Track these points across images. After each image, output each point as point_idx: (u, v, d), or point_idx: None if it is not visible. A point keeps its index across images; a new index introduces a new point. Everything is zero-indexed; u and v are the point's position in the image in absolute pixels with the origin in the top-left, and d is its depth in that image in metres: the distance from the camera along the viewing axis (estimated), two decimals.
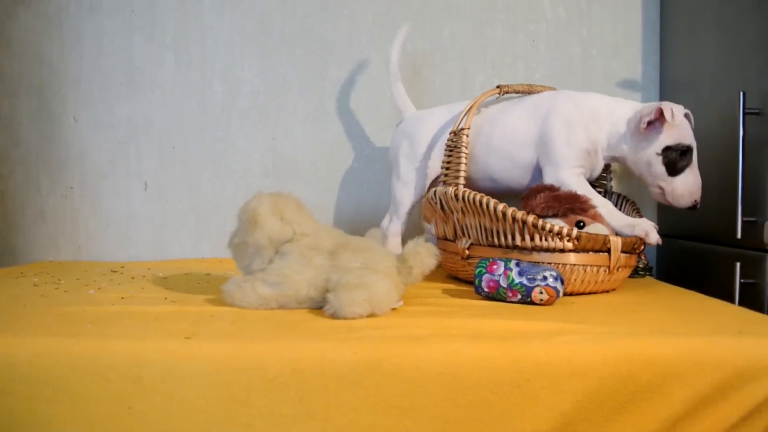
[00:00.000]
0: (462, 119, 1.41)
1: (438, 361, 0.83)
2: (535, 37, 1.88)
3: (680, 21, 1.76)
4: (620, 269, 1.30)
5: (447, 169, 1.42)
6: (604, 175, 1.59)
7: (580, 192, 1.33)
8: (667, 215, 1.83)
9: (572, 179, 1.38)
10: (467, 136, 1.38)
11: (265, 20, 1.90)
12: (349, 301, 1.00)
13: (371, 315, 1.02)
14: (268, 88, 1.91)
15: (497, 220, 1.27)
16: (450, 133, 1.43)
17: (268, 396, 0.84)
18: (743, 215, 1.37)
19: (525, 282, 1.14)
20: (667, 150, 1.36)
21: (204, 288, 1.35)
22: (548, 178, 1.41)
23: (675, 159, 1.36)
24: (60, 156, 1.92)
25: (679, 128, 1.36)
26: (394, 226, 1.63)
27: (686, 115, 1.40)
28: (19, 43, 1.91)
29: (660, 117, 1.35)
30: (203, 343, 0.87)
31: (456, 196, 1.33)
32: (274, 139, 1.91)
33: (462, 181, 1.36)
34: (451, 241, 1.42)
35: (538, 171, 1.46)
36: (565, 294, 1.25)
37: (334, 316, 1.02)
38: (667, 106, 1.32)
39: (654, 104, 1.36)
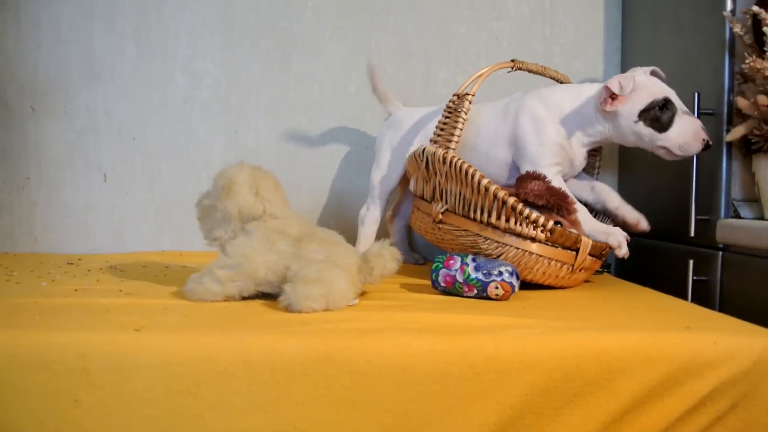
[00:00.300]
0: (469, 84, 1.36)
1: (388, 355, 0.84)
2: (498, 35, 1.90)
3: (641, 22, 1.78)
4: (582, 270, 1.31)
5: (441, 130, 1.37)
6: (593, 162, 1.60)
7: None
8: None
9: (550, 178, 1.39)
10: (470, 102, 1.34)
11: (228, 12, 1.88)
12: (305, 295, 1.00)
13: (326, 311, 1.02)
14: (231, 81, 1.89)
15: (478, 193, 1.25)
16: (453, 95, 1.38)
17: (218, 388, 0.83)
18: (696, 214, 1.40)
19: (481, 277, 1.15)
20: (643, 113, 1.34)
21: (161, 280, 1.33)
22: None
23: (657, 116, 1.33)
24: (16, 146, 1.87)
25: (645, 87, 1.34)
26: (371, 212, 1.63)
27: (653, 72, 1.39)
28: None
29: (613, 93, 1.34)
30: (153, 335, 0.87)
31: (444, 159, 1.30)
32: (237, 131, 1.89)
33: (454, 145, 1.33)
34: (427, 201, 1.39)
35: (514, 168, 1.47)
36: (524, 281, 1.26)
37: (288, 308, 1.01)
38: (613, 81, 1.31)
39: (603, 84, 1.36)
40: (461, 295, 1.18)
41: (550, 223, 1.23)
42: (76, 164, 1.88)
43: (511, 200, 1.22)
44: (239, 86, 1.89)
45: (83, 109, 1.88)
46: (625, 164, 1.88)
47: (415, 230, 1.48)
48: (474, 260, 1.17)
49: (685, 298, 1.38)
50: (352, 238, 1.62)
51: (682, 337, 0.90)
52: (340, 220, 1.89)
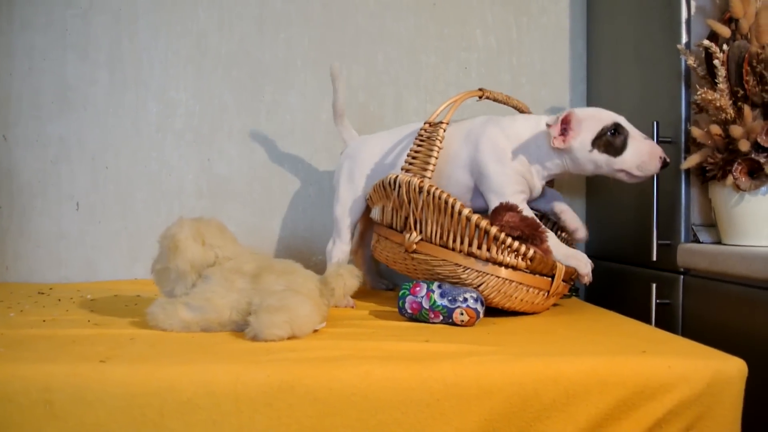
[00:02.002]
0: (442, 112, 1.36)
1: (349, 383, 0.85)
2: (467, 65, 1.94)
3: (604, 53, 1.84)
4: (554, 295, 1.34)
5: (414, 158, 1.36)
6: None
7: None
8: (593, 236, 1.89)
9: (521, 207, 1.40)
10: (444, 130, 1.34)
11: (201, 42, 1.91)
12: (269, 323, 1.02)
13: (292, 337, 1.04)
14: (204, 109, 1.91)
15: (458, 223, 1.25)
16: (425, 123, 1.38)
17: (182, 419, 0.84)
18: (658, 238, 1.44)
19: (446, 304, 1.18)
20: (596, 141, 1.36)
21: (131, 310, 1.33)
22: (493, 206, 1.42)
23: (610, 141, 1.36)
24: None
25: (592, 117, 1.37)
26: (338, 247, 1.61)
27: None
28: None
29: (564, 125, 1.37)
30: (117, 366, 0.87)
31: (420, 188, 1.28)
32: (210, 160, 1.91)
33: (429, 174, 1.32)
34: (396, 230, 1.38)
35: (476, 192, 1.49)
36: (502, 309, 1.28)
37: (254, 338, 1.02)
38: (554, 125, 1.35)
39: (551, 119, 1.38)
40: (427, 322, 1.20)
41: (531, 251, 1.24)
42: (49, 192, 1.89)
43: (494, 230, 1.22)
44: (212, 115, 1.91)
45: (56, 137, 1.89)
46: (591, 190, 1.92)
47: (381, 260, 1.46)
48: (440, 287, 1.20)
49: (649, 321, 1.41)
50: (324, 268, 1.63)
51: (638, 361, 0.93)
52: (313, 248, 1.90)
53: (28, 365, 0.87)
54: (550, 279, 1.30)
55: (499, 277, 1.25)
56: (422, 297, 1.19)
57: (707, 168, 1.30)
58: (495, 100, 1.48)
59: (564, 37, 1.97)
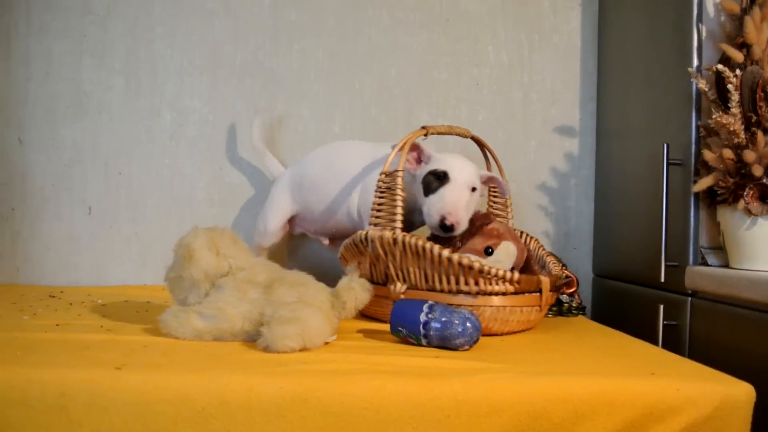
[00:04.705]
0: (393, 161, 1.40)
1: (361, 397, 0.86)
2: (478, 81, 1.96)
3: (615, 72, 1.85)
4: (545, 307, 1.36)
5: (379, 211, 1.38)
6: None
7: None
8: (602, 255, 1.91)
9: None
10: (402, 177, 1.36)
11: (216, 51, 1.93)
12: (281, 335, 1.03)
13: (303, 349, 1.05)
14: (217, 118, 1.93)
15: (440, 264, 1.25)
16: (381, 174, 1.40)
17: (195, 428, 0.85)
18: (667, 260, 1.45)
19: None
20: (426, 176, 1.42)
21: (142, 317, 1.35)
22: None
23: (430, 181, 1.42)
24: (2, 176, 1.89)
25: (435, 161, 1.43)
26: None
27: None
28: None
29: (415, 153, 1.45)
30: (131, 373, 0.88)
31: (395, 240, 1.28)
32: (221, 168, 1.92)
33: (398, 224, 1.33)
34: (379, 284, 1.36)
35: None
36: (501, 333, 1.29)
37: (267, 349, 1.03)
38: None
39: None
40: (420, 344, 1.14)
41: (516, 275, 1.26)
42: (61, 196, 1.90)
43: (477, 265, 1.23)
44: (225, 124, 1.93)
45: (70, 142, 1.91)
46: (599, 210, 1.93)
47: (370, 315, 1.42)
48: (431, 309, 1.13)
49: (656, 342, 1.42)
50: (329, 276, 1.64)
51: (647, 383, 0.94)
52: (323, 255, 1.91)
53: (45, 370, 0.88)
54: (538, 294, 1.31)
55: (492, 306, 1.26)
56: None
57: (718, 191, 1.31)
58: (439, 133, 1.49)
59: (575, 55, 1.99)
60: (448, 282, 1.26)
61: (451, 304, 1.22)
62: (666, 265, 1.44)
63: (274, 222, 1.72)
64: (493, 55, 1.97)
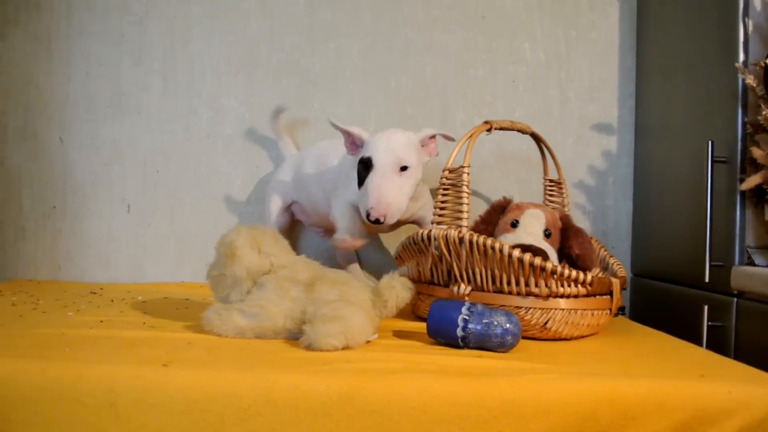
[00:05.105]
0: (457, 156, 1.34)
1: (408, 396, 0.86)
2: (515, 78, 1.94)
3: (655, 69, 1.82)
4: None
5: (443, 209, 1.33)
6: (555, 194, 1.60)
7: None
8: (641, 254, 1.88)
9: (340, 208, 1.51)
10: (468, 173, 1.30)
11: (252, 50, 1.94)
12: (324, 333, 1.03)
13: (346, 347, 1.04)
14: (253, 117, 1.94)
15: (510, 265, 1.19)
16: (444, 170, 1.35)
17: (241, 425, 0.85)
18: (711, 260, 1.41)
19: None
20: (359, 163, 1.40)
21: (182, 314, 1.36)
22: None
23: (360, 169, 1.39)
24: (44, 175, 1.93)
25: (365, 146, 1.41)
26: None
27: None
28: (7, 62, 1.93)
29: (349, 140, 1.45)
30: (179, 370, 0.89)
31: (460, 239, 1.22)
32: (258, 167, 1.93)
33: (465, 222, 1.27)
34: (441, 285, 1.32)
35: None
36: (571, 338, 1.24)
37: (309, 347, 1.03)
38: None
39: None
40: (458, 346, 1.12)
41: (589, 276, 1.20)
42: (100, 195, 1.93)
43: (549, 266, 1.18)
44: (261, 123, 1.93)
45: (109, 141, 1.93)
46: (638, 208, 1.90)
47: (421, 315, 1.36)
48: (469, 310, 1.11)
49: (699, 343, 1.39)
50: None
51: (697, 385, 0.92)
52: (360, 256, 1.91)
53: (93, 366, 0.90)
54: (609, 296, 1.28)
55: (563, 309, 1.21)
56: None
57: (766, 189, 1.28)
58: (502, 128, 1.43)
59: (613, 51, 1.96)
60: (517, 284, 1.21)
61: (520, 307, 1.20)
62: (710, 265, 1.41)
63: (272, 207, 1.77)
64: (529, 52, 1.95)
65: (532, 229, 1.31)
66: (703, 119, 1.52)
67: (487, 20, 1.94)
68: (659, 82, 1.79)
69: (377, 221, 1.31)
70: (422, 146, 1.43)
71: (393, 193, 1.33)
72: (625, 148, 1.94)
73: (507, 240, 1.28)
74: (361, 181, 1.37)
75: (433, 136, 1.44)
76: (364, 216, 1.33)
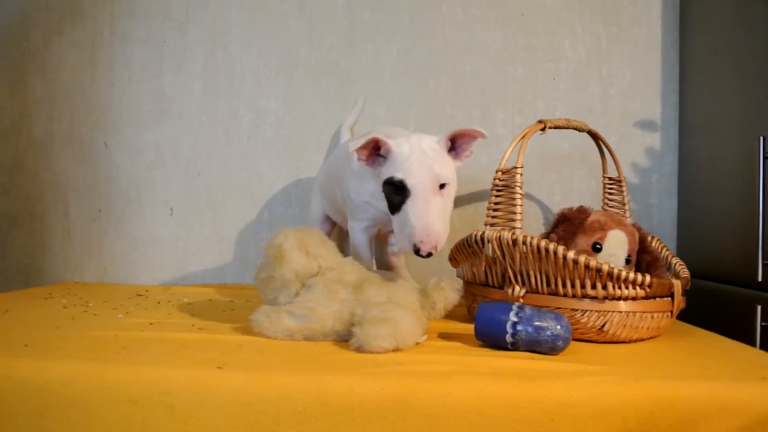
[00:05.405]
0: (510, 157, 1.32)
1: (463, 399, 0.85)
2: (555, 76, 1.92)
3: (700, 63, 1.78)
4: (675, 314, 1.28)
5: (496, 210, 1.31)
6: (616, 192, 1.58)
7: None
8: (687, 253, 1.84)
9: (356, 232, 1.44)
10: (521, 174, 1.28)
11: (291, 53, 1.95)
12: (374, 335, 1.03)
13: (396, 349, 1.04)
14: (293, 119, 1.95)
15: (564, 267, 1.18)
16: (497, 172, 1.33)
17: (297, 428, 0.85)
18: (764, 258, 1.38)
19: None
20: (385, 184, 1.23)
21: (229, 316, 1.37)
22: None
23: (390, 193, 1.22)
24: (89, 179, 1.96)
25: (392, 160, 1.22)
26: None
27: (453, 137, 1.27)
28: (53, 69, 1.97)
29: (369, 151, 1.26)
30: (233, 372, 0.90)
31: (514, 241, 1.21)
32: (298, 168, 1.94)
33: (519, 224, 1.25)
34: (495, 287, 1.31)
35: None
36: (631, 341, 1.21)
37: (359, 349, 1.04)
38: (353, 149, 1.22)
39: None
40: (506, 349, 1.11)
41: (647, 278, 1.17)
42: (144, 198, 1.96)
43: (606, 267, 1.15)
44: (301, 124, 1.94)
45: (152, 145, 1.96)
46: (684, 203, 1.87)
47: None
48: (518, 313, 1.09)
49: (752, 344, 1.36)
50: (416, 271, 1.64)
51: (758, 388, 0.89)
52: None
53: (150, 368, 0.91)
54: (670, 299, 1.24)
55: (621, 312, 1.18)
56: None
57: None
58: (556, 127, 1.39)
59: (656, 47, 1.92)
60: (573, 286, 1.19)
61: (576, 310, 1.18)
62: (763, 264, 1.38)
63: (313, 209, 1.76)
64: (570, 50, 1.92)
65: (615, 259, 1.27)
66: (753, 114, 1.49)
67: (526, 18, 1.93)
68: (704, 77, 1.76)
69: (429, 255, 1.16)
70: (448, 150, 1.26)
71: (440, 220, 1.18)
72: (669, 145, 1.91)
73: None
74: (393, 206, 1.21)
75: (461, 136, 1.26)
76: (408, 249, 1.17)
